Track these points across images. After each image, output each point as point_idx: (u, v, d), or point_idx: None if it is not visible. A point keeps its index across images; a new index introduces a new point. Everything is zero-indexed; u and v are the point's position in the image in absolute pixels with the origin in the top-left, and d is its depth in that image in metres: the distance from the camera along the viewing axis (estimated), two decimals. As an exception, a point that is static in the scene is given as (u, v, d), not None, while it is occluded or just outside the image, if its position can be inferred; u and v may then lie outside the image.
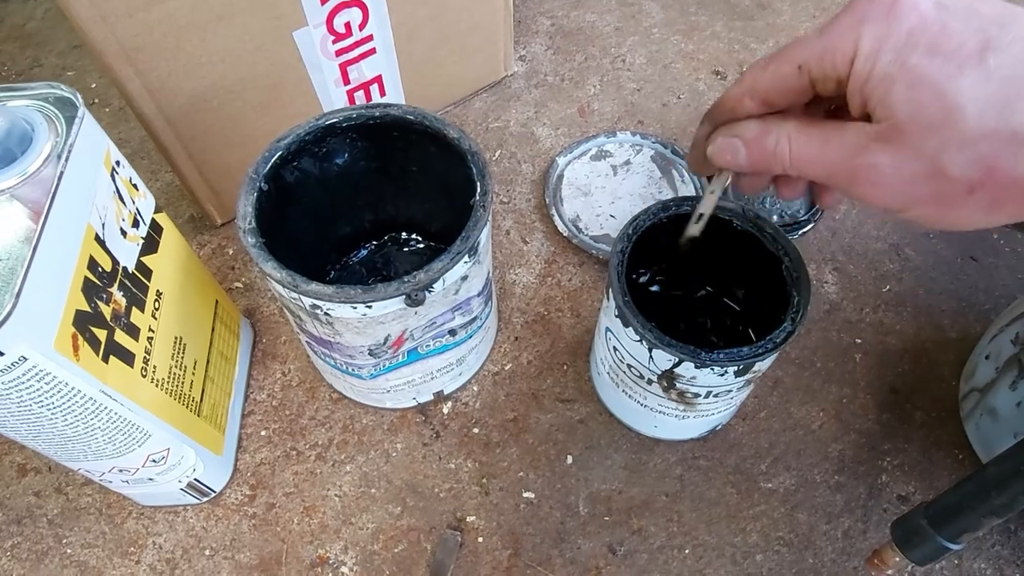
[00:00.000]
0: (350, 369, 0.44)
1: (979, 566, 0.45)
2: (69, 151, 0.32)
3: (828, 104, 0.28)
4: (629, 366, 0.42)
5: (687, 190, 0.59)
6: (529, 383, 0.51)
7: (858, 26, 0.23)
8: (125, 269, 0.36)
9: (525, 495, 0.47)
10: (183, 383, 0.41)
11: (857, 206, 0.60)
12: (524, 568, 0.44)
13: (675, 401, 0.43)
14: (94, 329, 0.33)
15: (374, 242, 0.54)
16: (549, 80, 0.68)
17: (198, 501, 0.46)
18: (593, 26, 0.72)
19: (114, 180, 0.36)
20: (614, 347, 0.43)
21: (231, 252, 0.58)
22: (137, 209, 0.38)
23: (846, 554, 0.45)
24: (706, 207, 0.36)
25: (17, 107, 0.33)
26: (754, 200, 0.57)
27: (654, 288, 0.50)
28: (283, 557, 0.45)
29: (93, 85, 0.68)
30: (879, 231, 0.58)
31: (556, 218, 0.57)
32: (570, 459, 0.48)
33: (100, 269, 0.34)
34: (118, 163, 0.36)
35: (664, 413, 0.45)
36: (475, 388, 0.51)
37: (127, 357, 0.35)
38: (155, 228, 0.40)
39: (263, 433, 0.49)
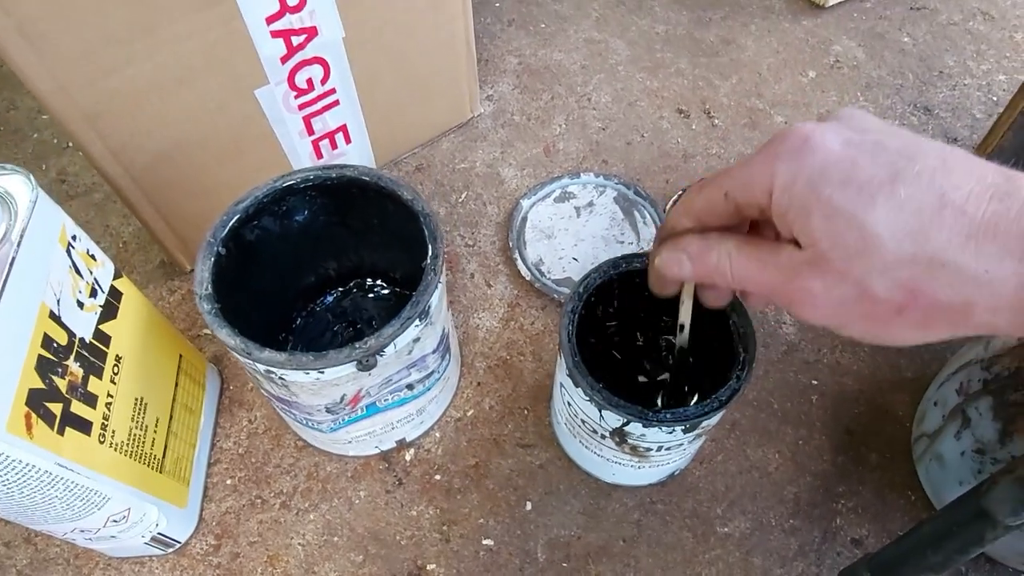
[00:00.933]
0: (310, 423, 0.45)
1: (927, 609, 0.46)
2: (22, 235, 0.33)
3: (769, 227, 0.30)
4: (583, 420, 0.43)
5: (648, 232, 0.60)
6: (491, 428, 0.52)
7: (773, 161, 0.25)
8: (82, 340, 0.37)
9: (485, 542, 0.48)
10: (144, 443, 0.42)
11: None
12: (482, 616, 0.45)
13: (629, 454, 0.44)
14: (48, 405, 0.34)
15: (340, 289, 0.55)
16: (516, 119, 0.69)
17: (163, 552, 0.47)
18: (560, 64, 0.73)
19: (70, 255, 0.37)
20: (568, 402, 0.44)
21: (201, 298, 0.59)
22: (95, 279, 0.39)
23: (798, 598, 0.46)
24: (685, 317, 0.38)
25: (-30, 191, 0.34)
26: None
27: (608, 335, 0.51)
28: (247, 607, 0.46)
29: (67, 129, 0.69)
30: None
31: (519, 262, 0.58)
32: (529, 505, 0.49)
33: (55, 345, 0.35)
34: (74, 237, 0.37)
35: (620, 464, 0.46)
36: (437, 435, 0.52)
37: (83, 426, 0.36)
38: (114, 295, 0.41)
39: (228, 482, 0.50)
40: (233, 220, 0.43)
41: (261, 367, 0.39)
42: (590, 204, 0.62)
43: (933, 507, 0.49)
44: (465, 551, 0.48)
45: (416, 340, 0.41)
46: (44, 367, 0.34)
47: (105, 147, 0.46)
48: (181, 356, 0.48)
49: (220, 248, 0.42)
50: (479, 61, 0.66)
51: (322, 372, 0.38)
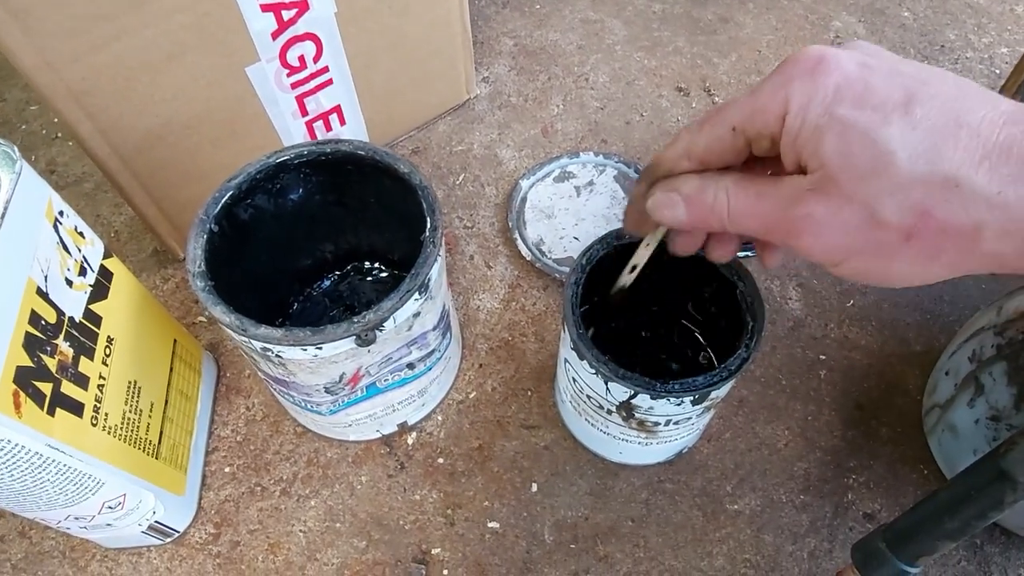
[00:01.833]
0: (309, 406, 0.44)
1: (944, 583, 0.45)
2: (6, 207, 0.32)
3: (766, 167, 0.29)
4: (588, 396, 0.42)
5: (650, 209, 0.59)
6: (494, 410, 0.51)
7: (787, 84, 0.24)
8: (72, 319, 0.36)
9: (490, 525, 0.47)
10: (138, 427, 0.41)
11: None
12: (490, 600, 0.44)
13: (636, 430, 0.43)
14: (37, 384, 0.33)
15: (336, 272, 0.54)
16: (512, 101, 0.68)
17: (161, 542, 0.46)
18: (556, 45, 0.72)
19: (57, 231, 0.36)
20: (573, 378, 0.43)
21: (195, 285, 0.58)
22: (84, 257, 0.38)
23: (812, 575, 0.45)
24: (639, 259, 0.37)
25: (-47, 164, 0.32)
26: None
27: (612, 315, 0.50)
28: (248, 596, 0.45)
29: (56, 120, 0.68)
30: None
31: (519, 242, 0.57)
32: (535, 487, 0.48)
33: (43, 322, 0.34)
34: (61, 213, 0.36)
35: (627, 440, 0.45)
36: (439, 417, 0.51)
37: (75, 408, 0.35)
38: (104, 274, 0.40)
39: (227, 469, 0.49)
40: (226, 197, 0.41)
41: (257, 345, 0.37)
42: (590, 183, 0.61)
43: (946, 479, 0.48)
44: (471, 534, 0.46)
45: (416, 315, 0.40)
46: (32, 345, 0.33)
47: (94, 127, 0.45)
48: (176, 341, 0.47)
49: (213, 225, 0.41)
50: (474, 43, 0.65)
51: (320, 348, 0.37)
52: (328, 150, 0.43)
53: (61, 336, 0.35)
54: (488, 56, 0.71)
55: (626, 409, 0.41)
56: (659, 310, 0.49)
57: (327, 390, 0.42)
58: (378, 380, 0.43)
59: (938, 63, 0.71)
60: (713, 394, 0.39)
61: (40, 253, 0.34)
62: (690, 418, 0.42)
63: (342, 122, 0.58)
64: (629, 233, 0.35)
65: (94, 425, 0.37)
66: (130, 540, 0.45)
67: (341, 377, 0.41)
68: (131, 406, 0.40)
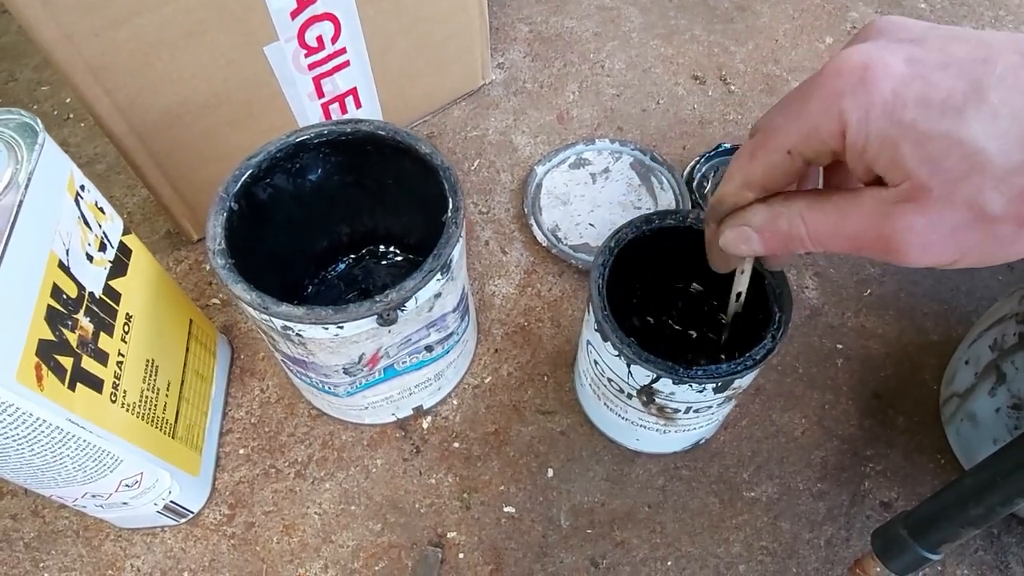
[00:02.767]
0: (326, 387, 0.44)
1: (962, 572, 0.45)
2: (29, 179, 0.31)
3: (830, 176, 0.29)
4: (609, 380, 0.42)
5: (666, 197, 0.59)
6: (510, 395, 0.51)
7: (838, 100, 0.23)
8: (92, 294, 0.36)
9: (506, 509, 0.47)
10: (156, 406, 0.41)
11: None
12: (506, 584, 0.44)
13: (655, 416, 0.42)
14: (59, 358, 0.32)
15: (352, 256, 0.54)
16: (528, 87, 0.67)
17: (176, 522, 0.46)
18: (572, 32, 0.72)
19: (78, 205, 0.35)
20: (595, 360, 0.43)
21: (208, 268, 0.57)
22: (104, 233, 0.38)
23: (829, 563, 0.45)
24: (740, 286, 0.37)
25: (-25, 134, 0.32)
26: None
27: (638, 296, 0.49)
28: (263, 577, 0.45)
29: (68, 100, 0.68)
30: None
31: (535, 228, 0.57)
32: (551, 472, 0.48)
33: (64, 296, 0.33)
34: (83, 187, 0.36)
35: (645, 427, 0.44)
36: (455, 402, 0.51)
37: (95, 383, 0.35)
38: (123, 251, 0.39)
39: (241, 451, 0.49)
40: (246, 175, 0.41)
41: (278, 323, 0.37)
42: (606, 170, 0.61)
43: (962, 469, 0.48)
44: (487, 518, 0.46)
45: (437, 296, 0.40)
46: (54, 318, 0.32)
47: (111, 104, 0.44)
48: (191, 321, 0.47)
49: (232, 204, 0.40)
50: (489, 29, 0.65)
51: (341, 327, 0.37)
52: (348, 130, 0.43)
53: (82, 311, 0.35)
54: (503, 42, 0.71)
55: (647, 394, 0.40)
56: (685, 297, 0.49)
57: (345, 371, 0.42)
58: (396, 362, 0.43)
59: (955, 54, 0.70)
60: (736, 383, 0.39)
61: (62, 227, 0.34)
62: (710, 407, 0.41)
63: (358, 105, 0.57)
64: (720, 272, 0.35)
65: (113, 402, 0.36)
66: (144, 520, 0.45)
67: (360, 358, 0.41)
68: (148, 384, 0.40)
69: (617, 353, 0.39)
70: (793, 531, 0.46)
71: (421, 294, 0.38)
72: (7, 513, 0.47)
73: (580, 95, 0.67)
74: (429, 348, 0.44)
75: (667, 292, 0.48)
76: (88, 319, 0.35)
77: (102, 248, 0.37)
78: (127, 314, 0.39)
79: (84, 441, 0.34)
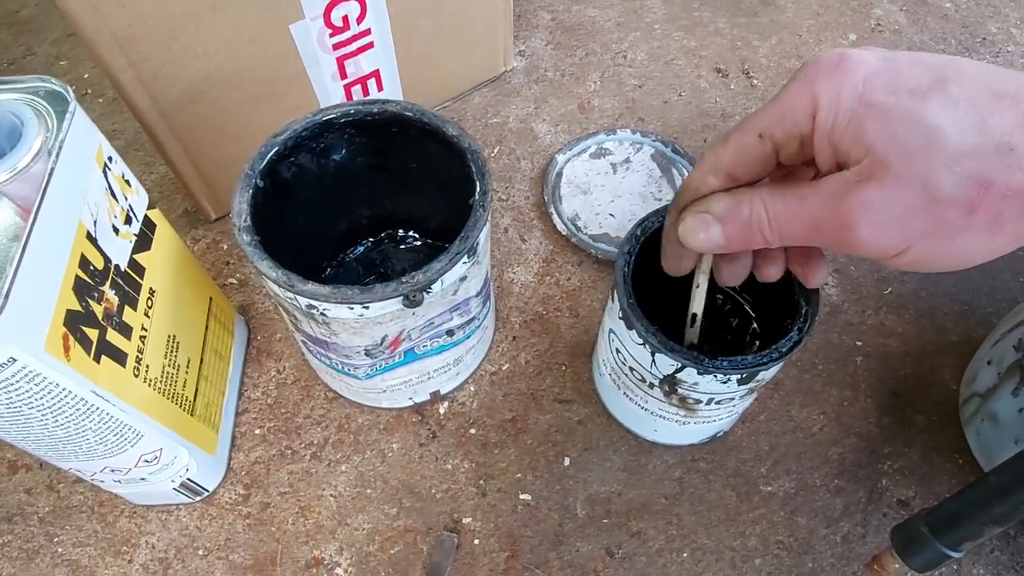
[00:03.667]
0: (346, 369, 0.44)
1: (978, 572, 0.45)
2: (60, 147, 0.31)
3: (795, 178, 0.28)
4: (631, 369, 0.42)
5: (688, 189, 0.58)
6: (527, 383, 0.51)
7: (811, 83, 0.24)
8: (117, 267, 0.35)
9: (523, 497, 0.46)
10: (176, 382, 0.40)
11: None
12: (521, 571, 0.44)
13: (676, 406, 0.42)
14: (85, 329, 0.32)
15: (371, 239, 0.54)
16: (549, 76, 0.67)
17: (191, 500, 0.45)
18: (594, 21, 0.71)
19: (106, 176, 0.35)
20: (616, 349, 0.42)
21: (226, 247, 0.57)
22: (130, 206, 0.37)
23: (845, 559, 0.45)
24: (696, 306, 0.36)
25: (6, 101, 0.32)
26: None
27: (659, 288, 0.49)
28: (278, 557, 0.44)
29: (86, 75, 0.67)
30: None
31: (555, 216, 0.57)
32: (568, 461, 0.48)
33: (92, 267, 0.33)
34: (110, 159, 0.35)
35: (664, 418, 0.44)
36: (472, 388, 0.50)
37: (119, 357, 0.35)
38: (148, 225, 0.39)
39: (257, 432, 0.49)
40: (271, 153, 0.41)
41: (303, 301, 0.37)
42: (627, 161, 0.60)
43: (981, 469, 0.48)
44: (503, 505, 0.46)
45: (463, 279, 0.39)
46: (81, 289, 0.32)
47: (136, 77, 0.44)
48: (211, 300, 0.47)
49: (258, 181, 0.40)
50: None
51: (367, 307, 0.37)
52: (375, 110, 0.43)
53: (107, 283, 0.34)
54: (525, 30, 0.70)
55: (669, 383, 0.40)
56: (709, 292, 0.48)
57: (367, 352, 0.41)
58: (417, 346, 0.43)
59: (979, 56, 0.70)
60: (760, 375, 0.38)
61: (90, 197, 0.33)
62: (732, 399, 0.41)
63: (380, 87, 0.57)
64: (672, 274, 0.34)
65: (136, 376, 0.36)
66: (160, 497, 0.44)
67: (383, 340, 0.40)
68: (170, 360, 0.40)
69: (642, 342, 0.38)
70: (809, 526, 0.46)
71: (447, 277, 0.38)
72: (22, 487, 0.47)
73: (602, 85, 0.66)
74: (450, 332, 0.44)
75: (686, 284, 0.48)
76: (113, 292, 0.35)
77: (127, 221, 0.37)
78: (151, 288, 0.38)
79: (107, 414, 0.34)
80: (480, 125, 0.64)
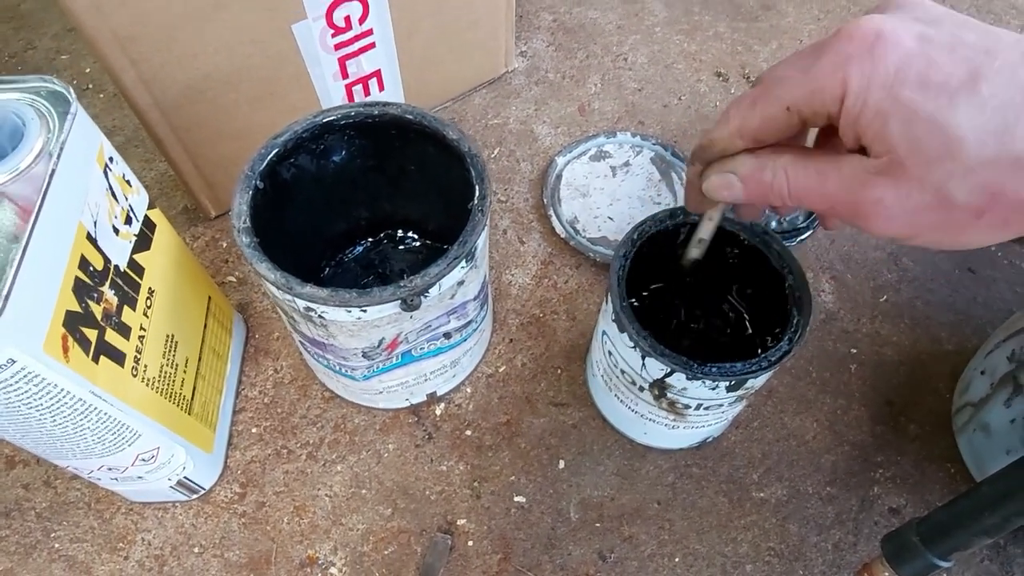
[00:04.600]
0: (343, 370, 0.44)
1: (967, 580, 0.45)
2: (61, 148, 0.31)
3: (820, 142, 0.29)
4: (622, 371, 0.42)
5: (687, 194, 0.58)
6: (523, 386, 0.51)
7: (844, 65, 0.24)
8: (117, 267, 0.35)
9: (516, 499, 0.47)
10: (174, 381, 0.41)
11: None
12: (514, 573, 0.44)
13: (665, 411, 0.42)
14: (84, 329, 0.32)
15: (369, 239, 0.54)
16: (550, 77, 0.67)
17: (188, 498, 0.46)
18: (595, 23, 0.71)
19: (107, 177, 0.35)
20: (609, 351, 0.43)
21: (225, 245, 0.57)
22: (130, 206, 0.37)
23: (836, 566, 0.45)
24: (706, 232, 0.37)
25: (7, 101, 0.32)
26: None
27: (654, 293, 0.49)
28: (273, 556, 0.45)
29: (87, 70, 0.67)
30: (878, 240, 0.58)
31: (554, 219, 0.57)
32: (562, 464, 0.48)
33: (91, 268, 0.33)
34: (111, 159, 0.36)
35: (654, 421, 0.44)
36: (468, 390, 0.51)
37: (118, 357, 0.35)
38: (148, 225, 0.39)
39: (254, 431, 0.49)
40: (272, 154, 0.41)
41: (301, 304, 0.37)
42: (626, 164, 0.61)
43: (973, 479, 0.48)
44: (496, 508, 0.46)
45: (460, 283, 0.40)
46: (80, 290, 0.32)
47: (137, 75, 0.44)
48: (210, 299, 0.47)
49: (258, 182, 0.40)
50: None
51: (364, 311, 0.37)
52: (376, 112, 0.43)
53: (107, 284, 0.34)
54: (527, 31, 0.70)
55: (659, 387, 0.40)
56: (703, 297, 0.49)
57: (364, 355, 0.42)
58: (414, 348, 0.43)
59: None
60: (749, 382, 0.39)
61: (91, 198, 0.33)
62: (721, 405, 0.41)
63: (381, 87, 0.57)
64: (691, 212, 0.36)
65: (134, 376, 0.36)
66: (157, 495, 0.45)
67: (380, 342, 0.41)
68: (168, 360, 0.40)
69: (633, 345, 0.39)
70: (801, 534, 0.46)
71: (445, 281, 0.38)
72: (19, 483, 0.47)
73: (602, 87, 0.67)
74: (448, 335, 0.44)
75: (683, 290, 0.48)
76: (113, 292, 0.35)
77: (127, 221, 0.37)
78: (150, 288, 0.38)
79: (105, 414, 0.34)
80: (480, 126, 0.64)
